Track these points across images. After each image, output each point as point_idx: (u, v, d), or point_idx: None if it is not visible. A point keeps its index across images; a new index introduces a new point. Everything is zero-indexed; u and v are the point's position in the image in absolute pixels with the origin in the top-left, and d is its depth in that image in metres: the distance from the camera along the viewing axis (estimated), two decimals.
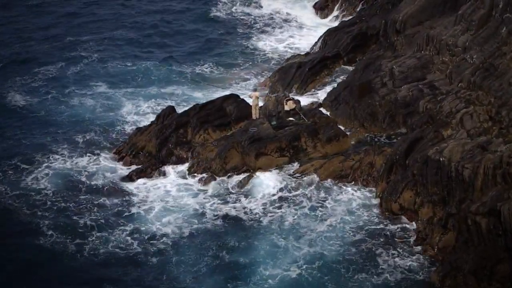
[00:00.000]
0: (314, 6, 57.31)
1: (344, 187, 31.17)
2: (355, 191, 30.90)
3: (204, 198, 31.52)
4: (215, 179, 32.61)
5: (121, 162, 34.79)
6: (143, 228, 29.62)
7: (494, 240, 24.91)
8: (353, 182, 31.38)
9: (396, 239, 27.87)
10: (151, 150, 34.94)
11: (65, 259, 27.81)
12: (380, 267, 26.49)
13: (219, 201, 31.21)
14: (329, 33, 46.20)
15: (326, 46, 44.82)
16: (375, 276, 26.06)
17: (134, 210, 31.01)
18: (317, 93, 40.39)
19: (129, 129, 38.07)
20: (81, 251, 28.24)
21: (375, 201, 30.11)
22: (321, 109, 37.16)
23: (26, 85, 43.70)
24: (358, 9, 51.20)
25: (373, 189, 30.82)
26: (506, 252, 24.54)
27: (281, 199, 30.90)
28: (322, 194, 30.87)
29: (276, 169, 32.54)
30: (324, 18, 54.63)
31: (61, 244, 28.62)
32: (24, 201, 31.45)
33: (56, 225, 29.78)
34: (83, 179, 33.37)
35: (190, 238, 28.87)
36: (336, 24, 49.85)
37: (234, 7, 58.55)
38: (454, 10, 37.88)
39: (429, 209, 28.12)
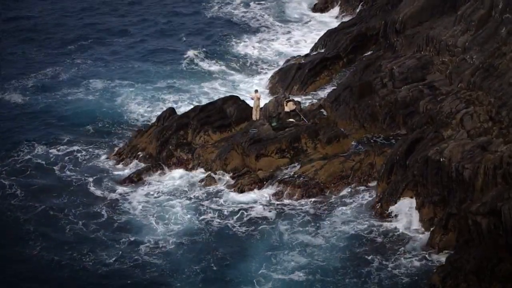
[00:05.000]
0: (314, 8, 57.49)
1: (339, 193, 31.08)
2: (350, 196, 30.88)
3: (200, 206, 31.04)
4: (215, 182, 32.59)
5: (120, 164, 34.76)
6: (137, 238, 28.84)
7: (495, 239, 24.91)
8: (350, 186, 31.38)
9: (393, 243, 27.82)
10: (151, 152, 34.92)
11: (52, 271, 26.78)
12: (379, 271, 26.36)
13: (214, 209, 30.75)
14: (329, 34, 46.29)
15: (326, 47, 44.89)
16: (375, 281, 25.93)
17: (129, 218, 30.27)
18: (317, 94, 40.44)
19: (126, 128, 37.91)
20: (71, 262, 27.33)
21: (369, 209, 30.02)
22: (321, 110, 37.16)
23: (22, 85, 43.40)
24: (357, 10, 51.28)
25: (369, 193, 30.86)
26: (507, 252, 24.52)
27: (275, 208, 30.57)
28: (315, 203, 30.61)
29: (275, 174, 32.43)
30: (323, 18, 54.77)
31: (46, 253, 27.68)
32: (6, 205, 30.91)
33: (44, 233, 28.93)
34: (79, 181, 33.06)
35: (185, 248, 28.15)
36: (336, 24, 49.98)
37: (231, 7, 58.52)
38: (454, 11, 37.95)
39: (429, 210, 28.13)
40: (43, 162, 34.61)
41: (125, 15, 57.57)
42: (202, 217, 30.23)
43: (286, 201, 30.92)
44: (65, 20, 56.20)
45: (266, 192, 31.57)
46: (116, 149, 35.89)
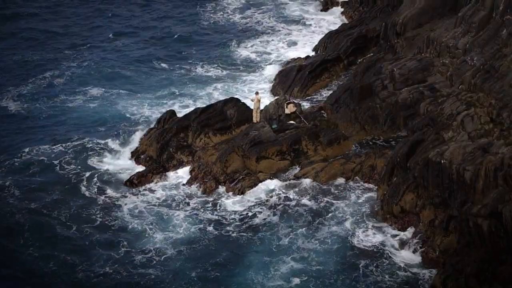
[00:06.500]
0: (315, 9, 57.53)
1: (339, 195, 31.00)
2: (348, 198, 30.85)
3: (200, 209, 30.92)
4: (216, 187, 32.45)
5: (120, 166, 34.68)
6: (135, 243, 28.58)
7: (496, 242, 24.86)
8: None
9: (392, 246, 27.80)
10: (152, 155, 34.89)
11: (43, 279, 26.29)
12: (379, 274, 26.35)
13: (214, 212, 30.67)
14: (329, 36, 46.28)
15: (326, 49, 44.87)
16: (374, 284, 25.90)
17: (127, 223, 30.02)
18: (318, 96, 40.39)
19: (126, 131, 37.88)
20: (63, 269, 26.86)
21: (367, 209, 30.01)
22: (322, 112, 37.13)
23: (19, 92, 43.09)
24: (358, 12, 51.24)
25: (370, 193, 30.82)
26: (508, 254, 24.49)
27: (275, 211, 30.46)
28: (315, 205, 30.49)
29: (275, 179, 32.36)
30: (323, 20, 54.78)
31: (37, 256, 27.32)
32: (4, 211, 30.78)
33: (36, 237, 28.63)
34: (76, 182, 32.91)
35: (182, 255, 27.90)
36: (336, 26, 49.98)
37: (229, 10, 58.48)
38: (454, 12, 37.92)
39: (430, 212, 28.08)
40: (41, 163, 34.46)
41: (124, 20, 57.48)
42: (202, 220, 30.12)
43: (286, 203, 30.83)
44: (63, 24, 56.14)
45: (266, 195, 31.50)
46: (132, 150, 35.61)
